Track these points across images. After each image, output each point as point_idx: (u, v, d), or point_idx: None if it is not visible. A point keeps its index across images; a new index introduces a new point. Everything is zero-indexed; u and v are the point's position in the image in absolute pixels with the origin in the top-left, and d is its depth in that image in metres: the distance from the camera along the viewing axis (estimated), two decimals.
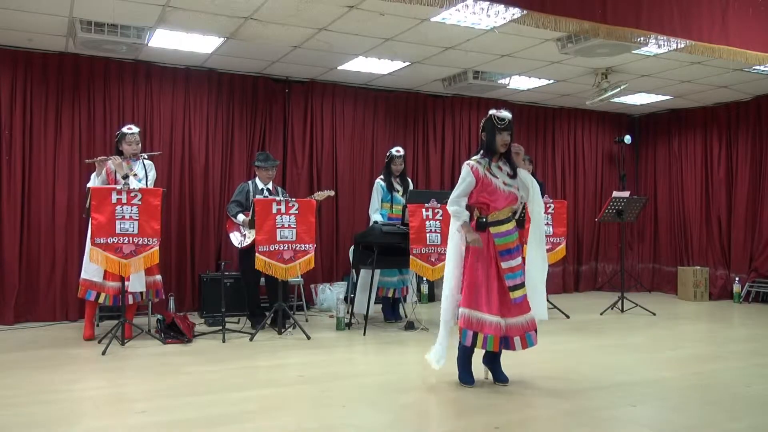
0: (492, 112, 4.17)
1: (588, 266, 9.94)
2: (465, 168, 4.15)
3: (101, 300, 5.57)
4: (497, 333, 4.02)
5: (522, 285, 4.11)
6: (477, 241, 4.07)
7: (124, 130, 5.84)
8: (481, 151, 4.21)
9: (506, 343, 4.08)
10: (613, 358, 5.21)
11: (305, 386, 4.25)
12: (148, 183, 5.72)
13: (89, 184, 5.69)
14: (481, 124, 4.23)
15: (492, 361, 4.28)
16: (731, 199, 9.12)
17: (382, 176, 6.87)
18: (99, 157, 5.79)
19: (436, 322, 6.71)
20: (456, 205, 4.15)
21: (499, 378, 4.24)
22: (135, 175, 5.70)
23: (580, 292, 9.76)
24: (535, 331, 4.13)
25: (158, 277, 5.76)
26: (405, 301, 6.91)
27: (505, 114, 4.15)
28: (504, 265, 4.09)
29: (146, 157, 5.90)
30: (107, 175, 5.70)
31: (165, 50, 6.73)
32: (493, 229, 4.12)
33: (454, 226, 4.22)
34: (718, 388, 4.27)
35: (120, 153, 5.78)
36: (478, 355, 4.25)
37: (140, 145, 5.85)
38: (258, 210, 5.77)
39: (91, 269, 5.51)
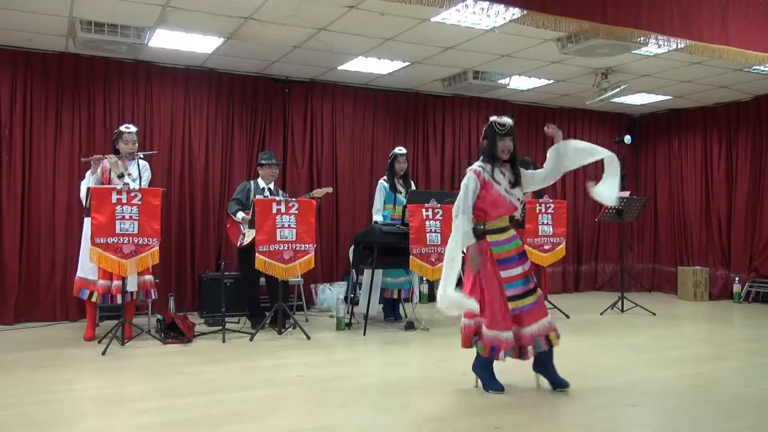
0: (493, 118, 4.09)
1: (588, 266, 9.94)
2: (469, 173, 4.02)
3: (94, 299, 5.56)
4: (509, 346, 3.93)
5: (525, 294, 3.98)
6: (477, 264, 3.95)
7: (122, 128, 5.82)
8: (482, 157, 4.11)
9: (520, 352, 3.98)
10: (613, 358, 5.21)
11: (305, 386, 4.25)
12: (142, 184, 5.67)
13: (84, 183, 5.68)
14: (483, 131, 4.15)
15: (544, 366, 4.09)
16: (731, 199, 9.12)
17: (385, 177, 6.88)
18: (94, 156, 5.76)
19: (436, 322, 6.77)
20: (465, 217, 3.94)
21: (558, 383, 4.06)
22: (129, 174, 5.68)
23: (580, 292, 9.75)
24: (547, 336, 3.98)
25: (149, 277, 5.69)
26: (410, 301, 6.91)
27: (506, 120, 4.07)
28: (503, 274, 3.98)
29: (142, 156, 5.86)
30: (102, 173, 5.69)
31: (165, 50, 6.73)
32: (490, 238, 4.03)
33: (458, 236, 3.95)
34: (718, 388, 4.27)
35: (117, 152, 5.77)
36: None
37: (137, 144, 5.83)
38: (258, 210, 5.77)
39: (87, 267, 5.51)
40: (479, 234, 4.04)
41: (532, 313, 3.98)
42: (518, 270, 4.01)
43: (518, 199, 4.11)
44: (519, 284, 3.99)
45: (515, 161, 4.12)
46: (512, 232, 4.10)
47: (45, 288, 6.68)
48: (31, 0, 5.38)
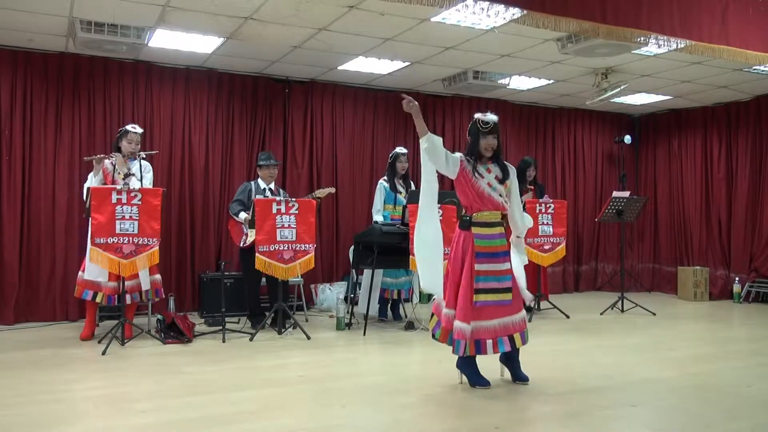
0: (477, 115, 4.18)
1: (588, 266, 9.94)
2: (457, 154, 4.18)
3: (99, 300, 5.56)
4: (463, 338, 3.97)
5: (494, 291, 4.02)
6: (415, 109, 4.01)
7: (128, 127, 5.82)
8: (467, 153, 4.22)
9: (477, 347, 4.01)
10: (613, 358, 5.21)
11: (305, 386, 4.25)
12: (145, 184, 5.66)
13: (86, 184, 5.68)
14: (468, 128, 4.25)
15: (509, 358, 4.24)
16: (731, 199, 9.12)
17: (385, 177, 6.88)
18: (97, 155, 5.76)
19: None
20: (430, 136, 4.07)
21: (519, 376, 4.21)
22: (133, 174, 5.69)
23: (580, 292, 9.75)
24: (511, 336, 4.05)
25: (157, 276, 5.73)
26: (410, 301, 6.91)
27: (490, 117, 4.14)
28: (478, 267, 4.01)
29: (144, 156, 5.86)
30: (104, 175, 5.69)
31: (165, 50, 6.73)
32: (475, 230, 4.08)
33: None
34: (718, 388, 4.27)
35: (118, 150, 5.77)
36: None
37: (139, 145, 5.84)
38: (258, 210, 5.77)
39: (95, 270, 5.46)
40: (465, 224, 4.10)
41: (497, 309, 4.03)
42: (495, 266, 4.06)
43: (500, 195, 4.14)
44: (491, 279, 4.04)
45: (500, 157, 4.21)
46: (501, 229, 4.15)
47: (45, 288, 6.68)
48: (31, 0, 5.38)
